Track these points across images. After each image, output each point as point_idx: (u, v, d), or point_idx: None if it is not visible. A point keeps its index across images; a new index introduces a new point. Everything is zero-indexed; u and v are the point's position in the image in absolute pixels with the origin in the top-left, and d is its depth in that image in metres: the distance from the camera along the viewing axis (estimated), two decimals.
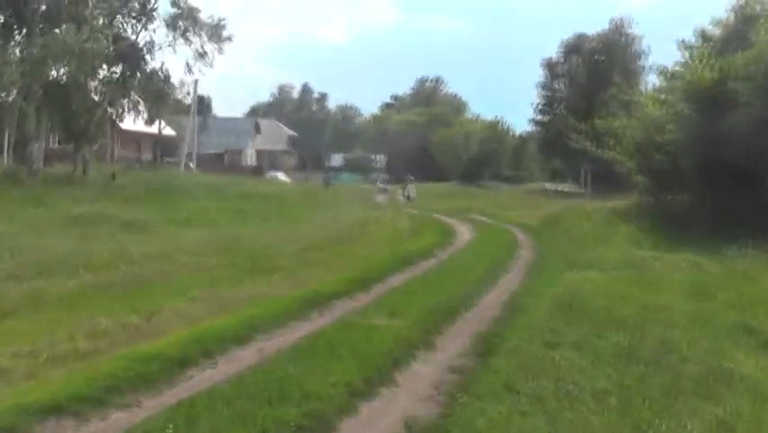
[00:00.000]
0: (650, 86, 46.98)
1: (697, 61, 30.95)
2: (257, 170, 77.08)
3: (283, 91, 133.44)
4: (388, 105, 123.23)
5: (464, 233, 28.70)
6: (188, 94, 65.91)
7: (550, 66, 66.84)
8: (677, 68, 34.49)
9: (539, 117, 68.25)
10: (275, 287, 13.99)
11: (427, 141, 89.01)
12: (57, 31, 36.36)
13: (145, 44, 41.92)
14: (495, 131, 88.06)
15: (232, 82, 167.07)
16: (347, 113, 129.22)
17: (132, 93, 43.09)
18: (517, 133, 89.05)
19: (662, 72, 37.35)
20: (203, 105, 72.98)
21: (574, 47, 65.14)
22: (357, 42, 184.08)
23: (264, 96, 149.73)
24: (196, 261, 17.76)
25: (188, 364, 8.16)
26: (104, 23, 39.50)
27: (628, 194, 37.21)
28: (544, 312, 12.42)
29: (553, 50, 69.31)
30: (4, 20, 37.25)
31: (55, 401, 6.58)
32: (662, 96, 34.42)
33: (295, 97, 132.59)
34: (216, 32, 43.87)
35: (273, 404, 6.95)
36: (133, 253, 17.97)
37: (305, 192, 50.80)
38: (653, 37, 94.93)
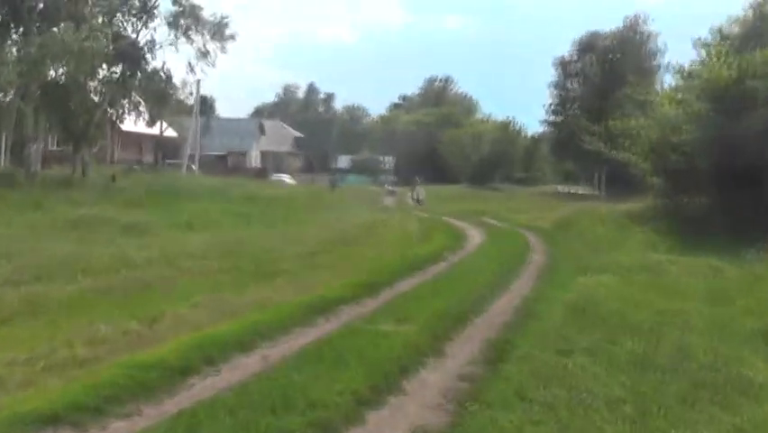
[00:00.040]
0: (665, 85, 46.94)
1: (714, 60, 30.87)
2: (261, 173, 77.23)
3: (288, 91, 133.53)
4: (396, 106, 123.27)
5: (475, 236, 28.72)
6: (191, 94, 65.98)
7: (563, 65, 66.92)
8: (694, 66, 34.41)
9: (551, 118, 68.32)
10: (279, 292, 13.98)
11: (437, 142, 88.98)
12: (55, 29, 36.40)
13: (146, 43, 42.04)
14: (506, 131, 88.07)
15: (235, 82, 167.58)
16: (354, 113, 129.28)
17: (133, 93, 43.17)
18: (529, 134, 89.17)
19: (679, 71, 37.29)
20: (206, 105, 72.99)
21: (588, 45, 65.21)
22: (364, 41, 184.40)
23: (269, 96, 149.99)
24: (198, 265, 17.77)
25: (190, 372, 8.14)
26: (103, 21, 39.59)
27: (643, 196, 37.13)
28: (557, 318, 12.39)
29: (565, 49, 69.62)
30: (1, 18, 37.29)
31: (53, 411, 6.56)
32: (679, 96, 34.31)
33: (300, 98, 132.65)
34: (219, 31, 43.86)
35: (277, 413, 6.93)
36: (134, 258, 17.98)
37: (310, 195, 50.89)
38: (668, 35, 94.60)
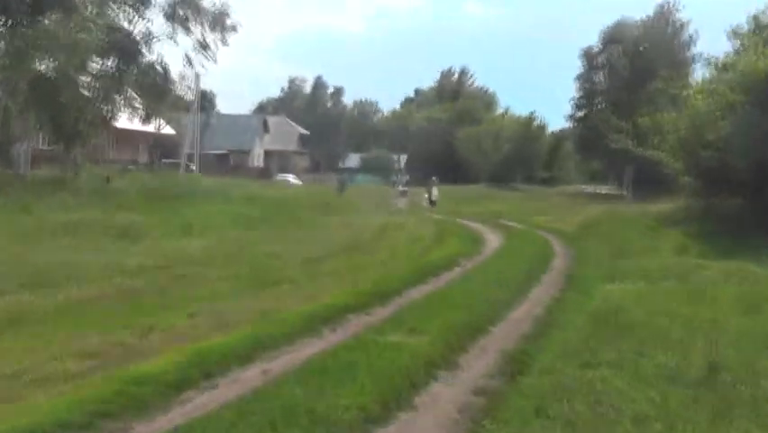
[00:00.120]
0: (698, 78, 46.80)
1: (750, 51, 30.77)
2: (265, 173, 77.40)
3: (294, 85, 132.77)
4: (409, 101, 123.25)
5: (493, 240, 28.69)
6: (189, 89, 66.03)
7: (589, 56, 66.86)
8: (728, 58, 34.29)
9: (577, 113, 68.18)
10: (282, 300, 13.99)
11: (453, 139, 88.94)
12: (45, 20, 36.43)
13: (141, 35, 41.98)
14: (529, 128, 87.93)
15: (237, 76, 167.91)
16: (364, 109, 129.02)
17: (128, 88, 43.09)
18: (551, 130, 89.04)
19: (712, 63, 37.13)
20: (206, 101, 73.22)
21: (615, 35, 65.06)
22: (374, 32, 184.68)
23: (273, 90, 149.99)
24: (196, 272, 17.79)
25: (186, 387, 8.18)
26: (95, 11, 39.59)
27: (674, 197, 37.05)
28: (580, 328, 12.35)
29: (592, 39, 69.41)
30: None
31: (39, 427, 6.60)
32: (712, 87, 34.17)
33: (307, 92, 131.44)
34: (220, 21, 43.75)
35: (279, 430, 6.95)
36: (128, 264, 18.02)
37: (317, 196, 50.86)
38: (699, 22, 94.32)
